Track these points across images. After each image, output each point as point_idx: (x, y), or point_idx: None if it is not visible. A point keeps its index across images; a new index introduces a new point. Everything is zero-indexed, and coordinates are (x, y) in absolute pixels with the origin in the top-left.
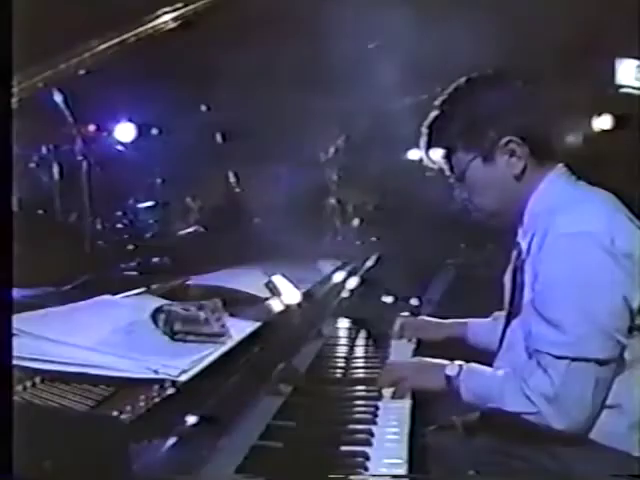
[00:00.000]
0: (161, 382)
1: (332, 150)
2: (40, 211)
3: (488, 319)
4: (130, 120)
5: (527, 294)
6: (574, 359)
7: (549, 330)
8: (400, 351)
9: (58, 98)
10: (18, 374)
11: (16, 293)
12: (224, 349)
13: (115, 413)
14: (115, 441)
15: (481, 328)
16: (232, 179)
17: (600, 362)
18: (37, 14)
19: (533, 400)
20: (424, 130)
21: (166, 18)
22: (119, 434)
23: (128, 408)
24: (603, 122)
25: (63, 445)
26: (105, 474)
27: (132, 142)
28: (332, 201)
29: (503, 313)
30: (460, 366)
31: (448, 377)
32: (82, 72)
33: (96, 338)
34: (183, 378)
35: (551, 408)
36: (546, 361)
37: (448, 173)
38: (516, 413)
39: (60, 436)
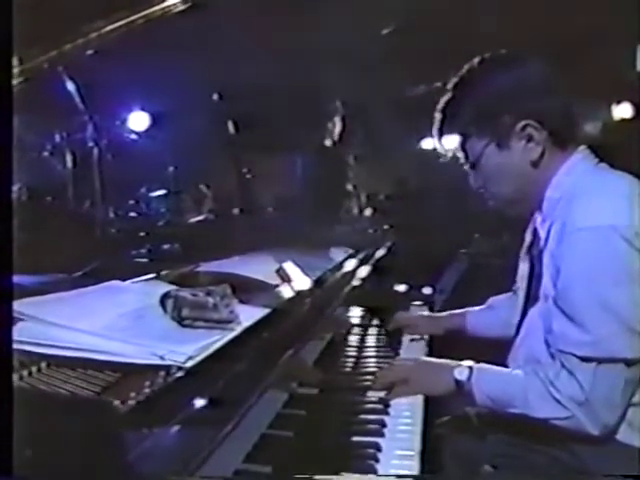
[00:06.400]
0: (167, 368)
1: (345, 138)
2: (53, 199)
3: (483, 306)
4: (143, 109)
5: (548, 286)
6: (600, 361)
7: (573, 329)
8: (412, 345)
9: (71, 86)
10: (23, 359)
11: (28, 279)
12: (232, 335)
13: (120, 400)
14: (116, 428)
15: (478, 317)
16: (244, 167)
17: (628, 362)
18: None
19: (564, 404)
20: (437, 115)
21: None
22: (121, 421)
23: (132, 394)
24: (623, 110)
25: (65, 431)
26: (106, 461)
27: (145, 131)
28: (344, 189)
29: (499, 297)
30: (470, 368)
31: (458, 381)
32: (90, 53)
33: (103, 323)
34: (189, 364)
35: (582, 412)
36: (571, 363)
37: (462, 160)
38: (546, 419)
39: (62, 422)
